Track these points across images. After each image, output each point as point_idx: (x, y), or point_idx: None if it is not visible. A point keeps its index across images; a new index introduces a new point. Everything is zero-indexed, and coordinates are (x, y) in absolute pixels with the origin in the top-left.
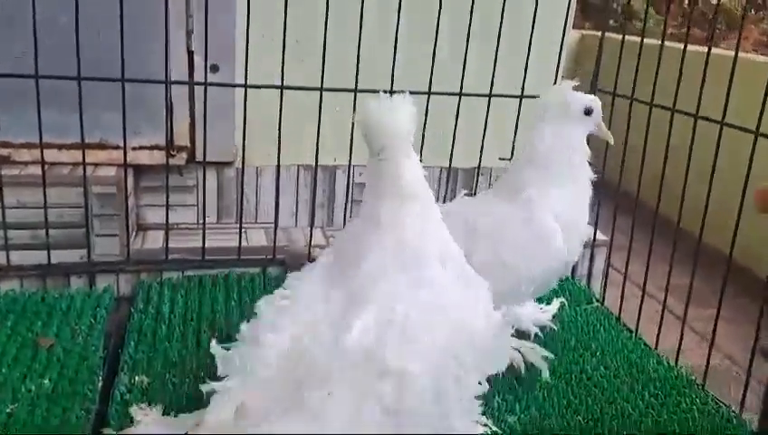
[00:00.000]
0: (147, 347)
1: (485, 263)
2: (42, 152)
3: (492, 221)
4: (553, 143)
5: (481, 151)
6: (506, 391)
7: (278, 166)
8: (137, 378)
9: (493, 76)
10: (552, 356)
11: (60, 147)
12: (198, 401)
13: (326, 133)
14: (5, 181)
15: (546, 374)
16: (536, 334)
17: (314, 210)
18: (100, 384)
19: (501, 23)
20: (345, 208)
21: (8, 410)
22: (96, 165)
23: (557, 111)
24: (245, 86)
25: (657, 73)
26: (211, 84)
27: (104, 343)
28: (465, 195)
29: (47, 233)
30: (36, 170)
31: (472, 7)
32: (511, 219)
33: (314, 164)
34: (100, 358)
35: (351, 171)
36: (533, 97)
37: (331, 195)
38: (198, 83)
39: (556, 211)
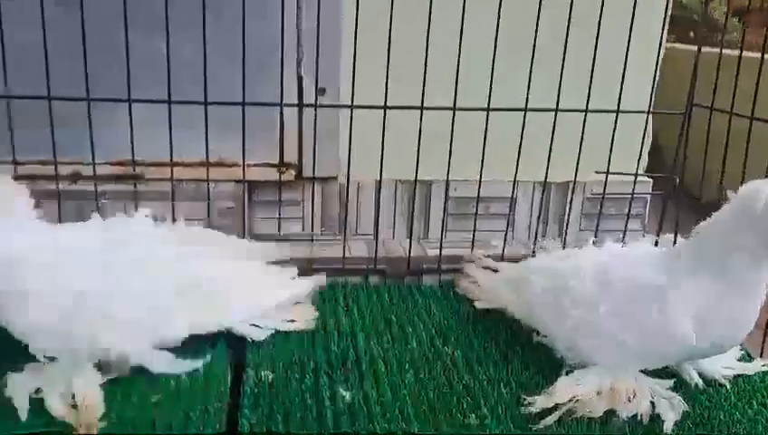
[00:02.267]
0: (268, 346)
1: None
2: (171, 170)
3: (626, 286)
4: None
5: (577, 165)
6: None
7: (380, 181)
8: (262, 374)
9: (589, 91)
10: (685, 409)
11: (185, 165)
12: (317, 396)
13: (424, 150)
14: (139, 196)
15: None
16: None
17: (412, 223)
18: (229, 379)
19: (597, 36)
20: (443, 222)
21: (154, 400)
22: (216, 181)
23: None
24: (351, 107)
25: (757, 85)
26: (321, 106)
27: (227, 343)
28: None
29: None
30: (165, 187)
31: (568, 25)
32: (645, 292)
33: (414, 179)
34: (226, 356)
35: (447, 187)
36: (629, 112)
37: (426, 209)
38: (308, 105)
39: (698, 307)
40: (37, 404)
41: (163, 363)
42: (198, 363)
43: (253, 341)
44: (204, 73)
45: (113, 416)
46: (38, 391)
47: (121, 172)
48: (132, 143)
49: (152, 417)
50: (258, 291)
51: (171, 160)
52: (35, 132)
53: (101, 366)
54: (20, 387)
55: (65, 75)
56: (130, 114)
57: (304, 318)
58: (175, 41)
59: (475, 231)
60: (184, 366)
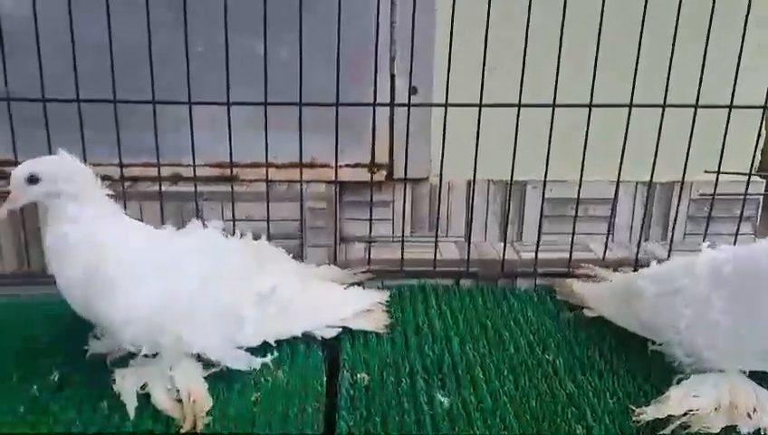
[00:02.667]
0: (361, 348)
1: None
2: (266, 171)
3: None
4: None
5: (685, 164)
6: None
7: (473, 182)
8: (358, 375)
9: (699, 85)
10: None
11: (278, 166)
12: (415, 400)
13: (519, 149)
14: (236, 197)
15: None
16: None
17: (507, 225)
18: (325, 380)
19: (709, 26)
20: (539, 224)
21: (253, 398)
22: (309, 182)
23: None
24: (446, 105)
25: None
26: (414, 105)
27: (321, 344)
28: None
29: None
30: (261, 187)
31: (678, 15)
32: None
33: (509, 180)
34: (320, 357)
35: (544, 187)
36: (742, 107)
37: (521, 211)
38: (401, 105)
39: None
40: (143, 400)
41: (242, 362)
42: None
43: (346, 343)
44: (299, 75)
45: (216, 412)
46: (144, 386)
47: (218, 174)
48: (230, 145)
49: (252, 415)
50: (330, 303)
51: (267, 162)
52: (138, 135)
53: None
54: (128, 383)
55: (168, 79)
56: (229, 117)
57: (377, 323)
58: (270, 42)
59: (573, 234)
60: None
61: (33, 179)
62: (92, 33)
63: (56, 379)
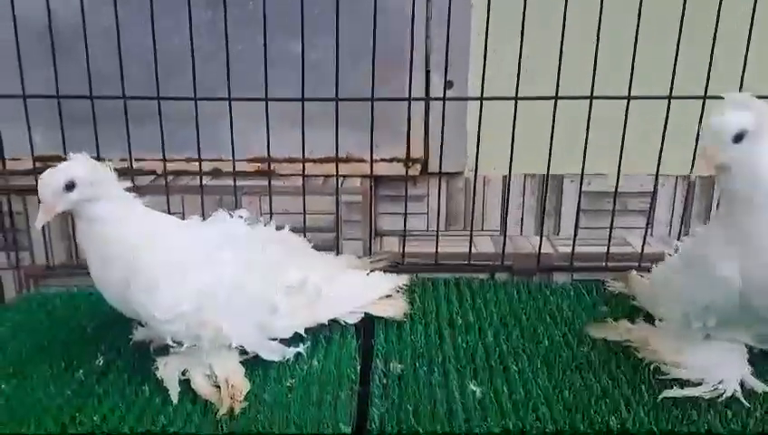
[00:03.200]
0: (394, 338)
1: None
2: (303, 166)
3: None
4: None
5: (693, 158)
6: None
7: (509, 176)
8: (391, 364)
9: (743, 74)
10: None
11: (314, 161)
12: (447, 389)
13: (556, 143)
14: (273, 191)
15: None
16: None
17: (543, 219)
18: (359, 368)
19: (717, 19)
20: (576, 218)
21: (288, 384)
22: (344, 176)
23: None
24: (481, 99)
25: None
26: (449, 99)
27: (356, 333)
28: None
29: (305, 236)
30: (297, 182)
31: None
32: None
33: (546, 173)
34: (355, 346)
35: (581, 181)
36: None
37: (558, 204)
38: (436, 99)
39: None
40: (184, 385)
41: (277, 353)
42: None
43: (380, 333)
44: (336, 72)
45: (252, 397)
46: (185, 372)
47: (257, 168)
48: (268, 140)
49: (288, 401)
50: (353, 290)
51: (303, 156)
52: (180, 130)
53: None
54: (170, 369)
55: (209, 76)
56: (267, 112)
57: (396, 310)
58: (307, 39)
59: (611, 228)
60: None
61: (70, 186)
62: (132, 36)
63: (101, 364)
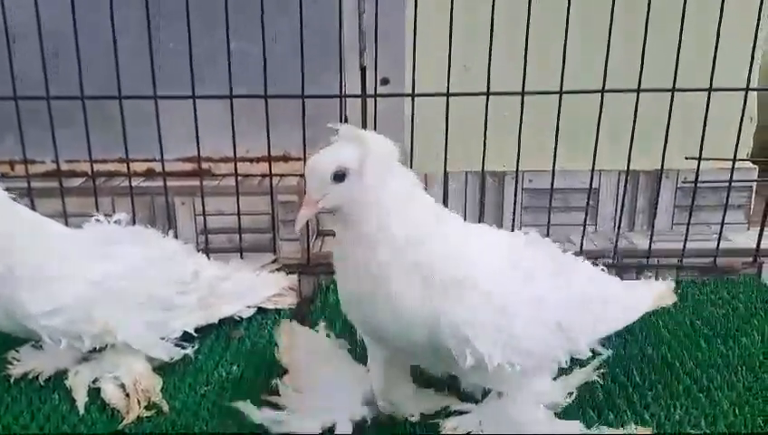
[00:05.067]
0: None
1: None
2: (235, 166)
3: None
4: None
5: (664, 151)
6: None
7: (445, 171)
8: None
9: (676, 68)
10: None
11: (251, 160)
12: None
13: (493, 139)
14: (207, 192)
15: None
16: None
17: (482, 216)
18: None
19: (684, 11)
20: (513, 214)
21: (202, 392)
22: (281, 176)
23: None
24: (413, 95)
25: None
26: (381, 96)
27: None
28: None
29: (240, 238)
30: (232, 182)
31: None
32: None
33: (481, 169)
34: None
35: (520, 177)
36: (724, 90)
37: (500, 201)
38: (370, 96)
39: None
40: (94, 394)
41: (164, 352)
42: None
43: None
44: (264, 66)
45: (166, 402)
46: (95, 380)
47: (190, 169)
48: (197, 138)
49: (198, 408)
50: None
51: (235, 155)
52: (112, 130)
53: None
54: (80, 378)
55: (136, 75)
56: (195, 111)
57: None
58: (235, 35)
59: (549, 224)
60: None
61: None
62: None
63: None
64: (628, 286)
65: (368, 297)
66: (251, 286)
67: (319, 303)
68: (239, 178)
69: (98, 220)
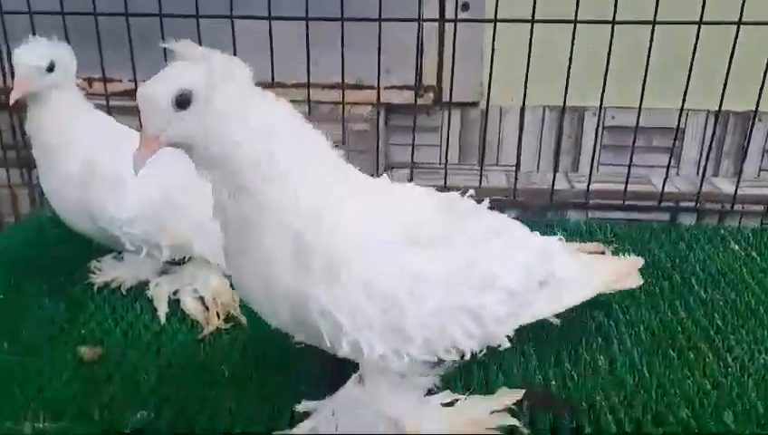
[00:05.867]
0: None
1: None
2: (308, 92)
3: None
4: None
5: (760, 91)
6: None
7: (522, 107)
8: None
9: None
10: None
11: (323, 86)
12: None
13: (576, 72)
14: None
15: None
16: None
17: (558, 153)
18: None
19: None
20: (593, 153)
21: None
22: (353, 104)
23: None
24: (495, 20)
25: None
26: (461, 21)
27: None
28: None
29: None
30: (303, 108)
31: None
32: None
33: (562, 105)
34: None
35: (602, 114)
36: None
37: (578, 139)
38: (449, 20)
39: None
40: (174, 305)
41: None
42: None
43: None
44: None
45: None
46: (176, 292)
47: None
48: (272, 62)
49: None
50: None
51: (308, 81)
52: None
53: None
54: (161, 289)
55: None
56: (270, 32)
57: None
58: None
59: (630, 165)
60: None
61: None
62: None
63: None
64: (576, 264)
65: (236, 255)
66: None
67: None
68: (312, 104)
69: None
